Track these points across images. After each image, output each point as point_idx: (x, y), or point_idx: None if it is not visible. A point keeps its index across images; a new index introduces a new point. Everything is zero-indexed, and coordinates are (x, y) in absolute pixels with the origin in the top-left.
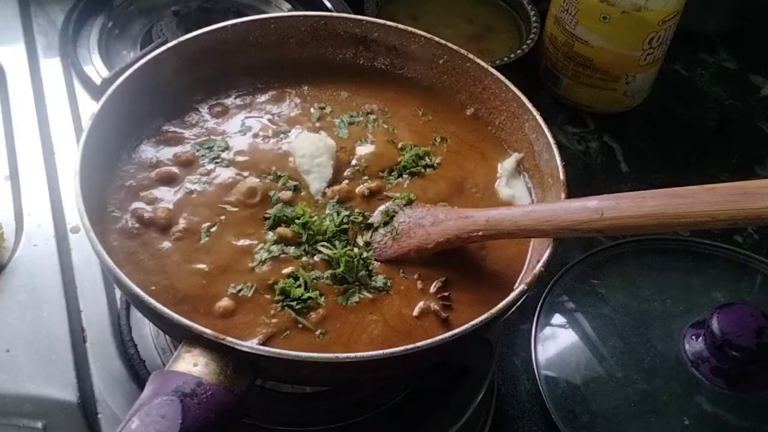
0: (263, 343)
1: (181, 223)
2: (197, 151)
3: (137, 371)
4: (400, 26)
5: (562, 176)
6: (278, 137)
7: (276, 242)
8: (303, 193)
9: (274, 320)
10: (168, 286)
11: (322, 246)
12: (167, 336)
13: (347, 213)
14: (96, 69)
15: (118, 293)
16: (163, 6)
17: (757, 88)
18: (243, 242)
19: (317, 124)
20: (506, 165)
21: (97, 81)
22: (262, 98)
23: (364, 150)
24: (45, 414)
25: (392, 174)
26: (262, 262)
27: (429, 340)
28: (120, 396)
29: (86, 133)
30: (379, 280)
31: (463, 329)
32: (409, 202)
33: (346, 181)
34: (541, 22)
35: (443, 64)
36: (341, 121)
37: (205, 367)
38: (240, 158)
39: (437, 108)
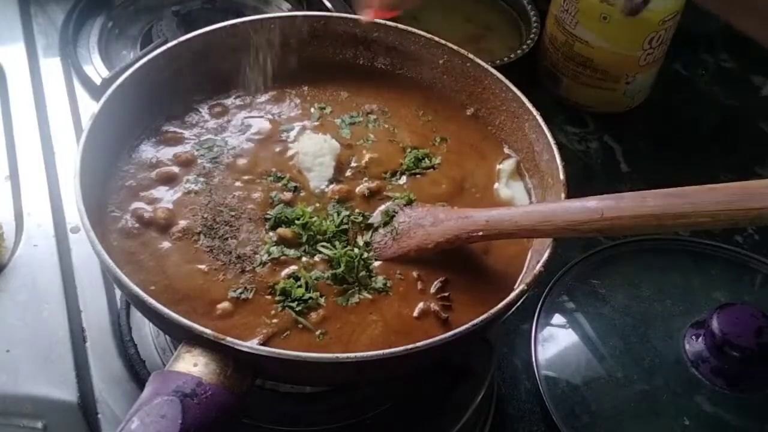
0: (263, 344)
1: (181, 223)
2: (197, 151)
3: (137, 371)
4: (400, 26)
5: (562, 176)
6: (278, 138)
7: (276, 243)
8: (303, 194)
9: (274, 320)
10: (168, 286)
11: (323, 246)
12: (167, 336)
13: (347, 213)
14: (96, 69)
15: (118, 293)
16: (163, 6)
17: (757, 88)
18: (243, 243)
19: (316, 124)
20: (506, 166)
21: (97, 81)
22: (262, 98)
23: (364, 150)
24: (45, 414)
25: (393, 175)
26: (263, 263)
27: (429, 341)
28: (120, 396)
29: (86, 133)
30: (379, 281)
31: (463, 329)
32: (409, 202)
33: (347, 181)
34: (541, 22)
35: (443, 64)
36: (342, 121)
37: (205, 367)
38: (240, 159)
39: (437, 108)
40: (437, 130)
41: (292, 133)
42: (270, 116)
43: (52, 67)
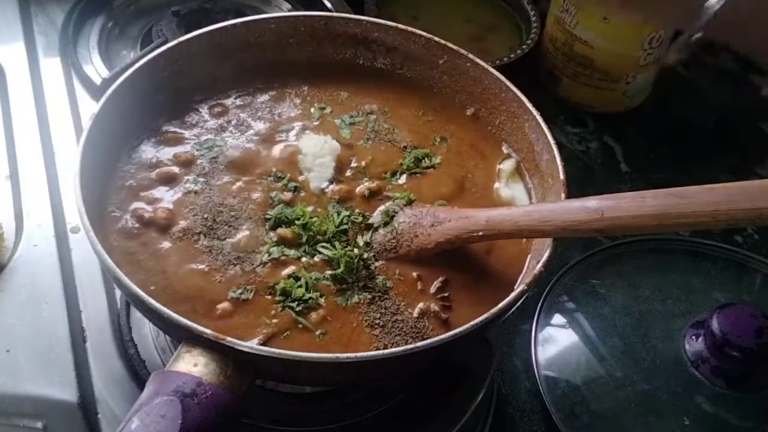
0: (263, 344)
1: (181, 223)
2: (197, 151)
3: (137, 371)
4: (400, 26)
5: (562, 176)
6: (278, 138)
7: (277, 244)
8: (303, 194)
9: (274, 321)
10: (168, 286)
11: (322, 247)
12: (167, 336)
13: (347, 213)
14: (96, 69)
15: (118, 293)
16: (163, 6)
17: (757, 88)
18: (243, 243)
19: (316, 124)
20: (505, 166)
21: (97, 81)
22: (262, 98)
23: (364, 150)
24: (45, 414)
25: (393, 175)
26: (263, 263)
27: (429, 341)
28: (120, 396)
29: (86, 133)
30: (379, 281)
31: (463, 329)
32: (409, 202)
33: (347, 181)
34: (541, 22)
35: (443, 65)
36: (342, 121)
37: (205, 367)
38: (240, 159)
39: (437, 108)
40: (437, 130)
41: (292, 133)
42: (270, 116)
43: (52, 67)
